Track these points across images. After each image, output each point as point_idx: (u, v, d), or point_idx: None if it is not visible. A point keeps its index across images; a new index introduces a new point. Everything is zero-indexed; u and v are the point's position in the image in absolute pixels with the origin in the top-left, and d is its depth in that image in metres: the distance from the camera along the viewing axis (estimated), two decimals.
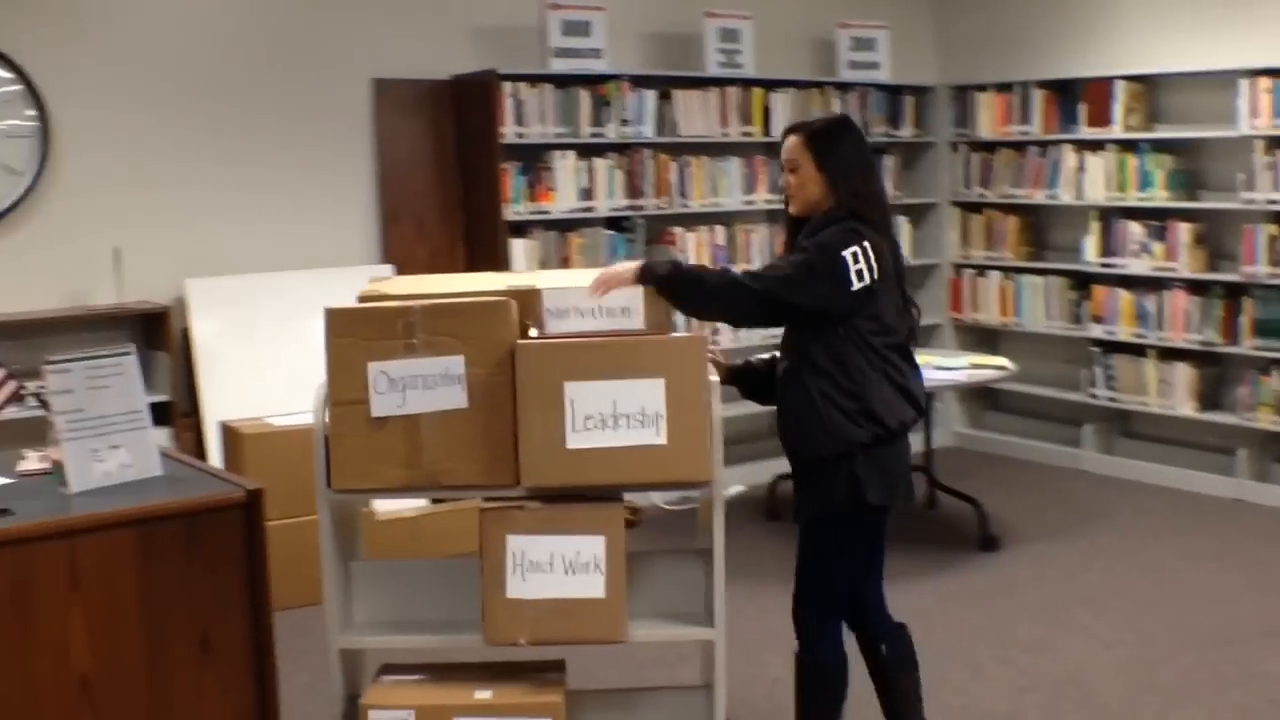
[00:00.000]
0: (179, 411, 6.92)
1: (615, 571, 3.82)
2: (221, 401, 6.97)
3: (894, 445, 4.26)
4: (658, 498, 7.13)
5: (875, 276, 4.11)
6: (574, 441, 3.78)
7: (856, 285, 4.07)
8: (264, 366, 6.99)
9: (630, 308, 4.02)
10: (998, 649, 5.90)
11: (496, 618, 3.83)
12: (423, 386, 3.82)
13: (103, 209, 6.98)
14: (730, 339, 8.24)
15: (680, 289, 4.06)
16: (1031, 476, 8.97)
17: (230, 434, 6.66)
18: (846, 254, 4.06)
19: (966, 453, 9.70)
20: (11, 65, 6.81)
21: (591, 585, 3.81)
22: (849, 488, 4.18)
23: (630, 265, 4.06)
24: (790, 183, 4.31)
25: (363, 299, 4.03)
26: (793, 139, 4.31)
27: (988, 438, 9.78)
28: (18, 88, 6.83)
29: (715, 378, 3.97)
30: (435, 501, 6.84)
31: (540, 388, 3.77)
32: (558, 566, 3.81)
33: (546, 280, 4.12)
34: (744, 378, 4.57)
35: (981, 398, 9.96)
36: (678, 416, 3.79)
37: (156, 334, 6.93)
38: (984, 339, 9.74)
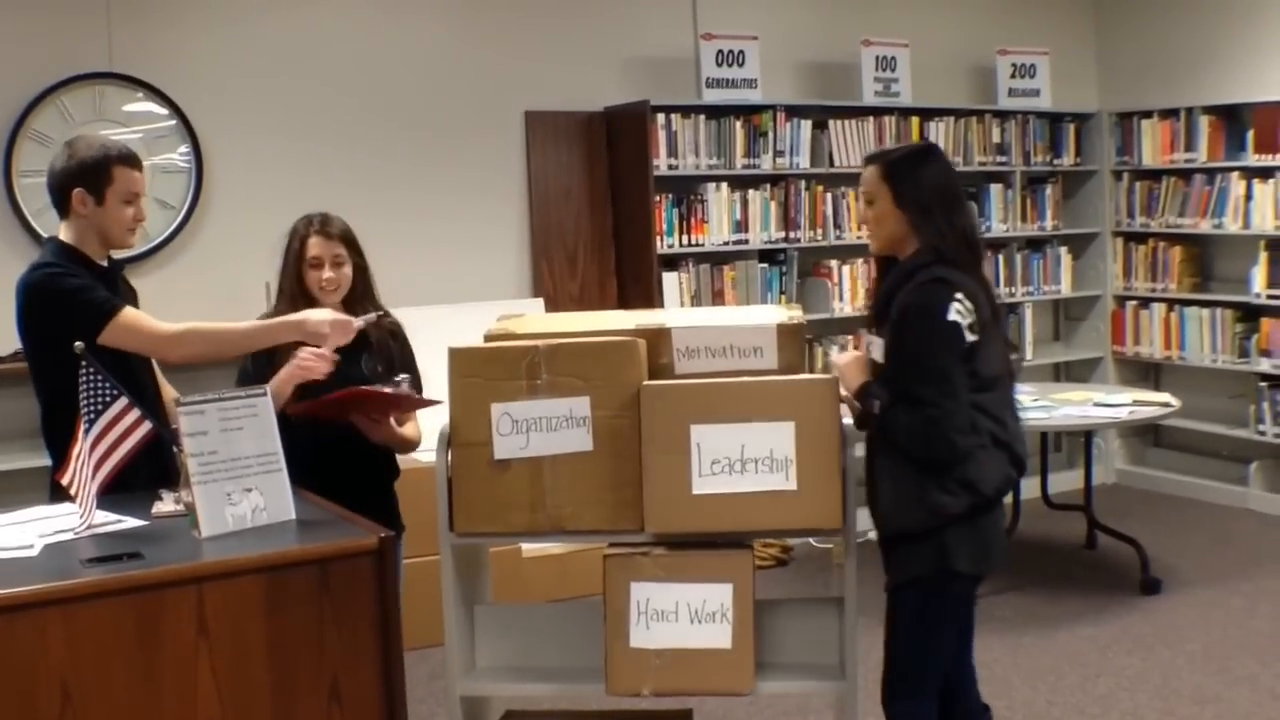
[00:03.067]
0: None
1: (743, 621, 3.71)
2: None
3: (991, 513, 3.99)
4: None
5: (977, 328, 3.87)
6: (700, 486, 3.68)
7: (969, 339, 3.84)
8: None
9: (763, 348, 3.93)
10: (1159, 699, 5.67)
11: (619, 667, 3.74)
12: (547, 429, 3.75)
13: (254, 243, 7.01)
14: None
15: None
16: (1196, 516, 8.65)
17: None
18: (952, 314, 3.81)
19: (1128, 490, 9.41)
20: (167, 101, 6.94)
21: (718, 635, 3.70)
22: (938, 555, 3.90)
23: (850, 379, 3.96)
24: (868, 217, 4.08)
25: (489, 338, 3.98)
26: (870, 169, 4.05)
27: (1150, 475, 9.47)
28: (172, 123, 6.96)
29: (849, 420, 3.86)
30: None
31: (666, 430, 3.68)
32: (683, 615, 3.71)
33: (677, 319, 4.03)
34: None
35: (1143, 434, 9.68)
36: (809, 461, 3.67)
37: None
38: (1146, 373, 9.48)
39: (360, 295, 4.65)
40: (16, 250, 6.50)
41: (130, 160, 4.21)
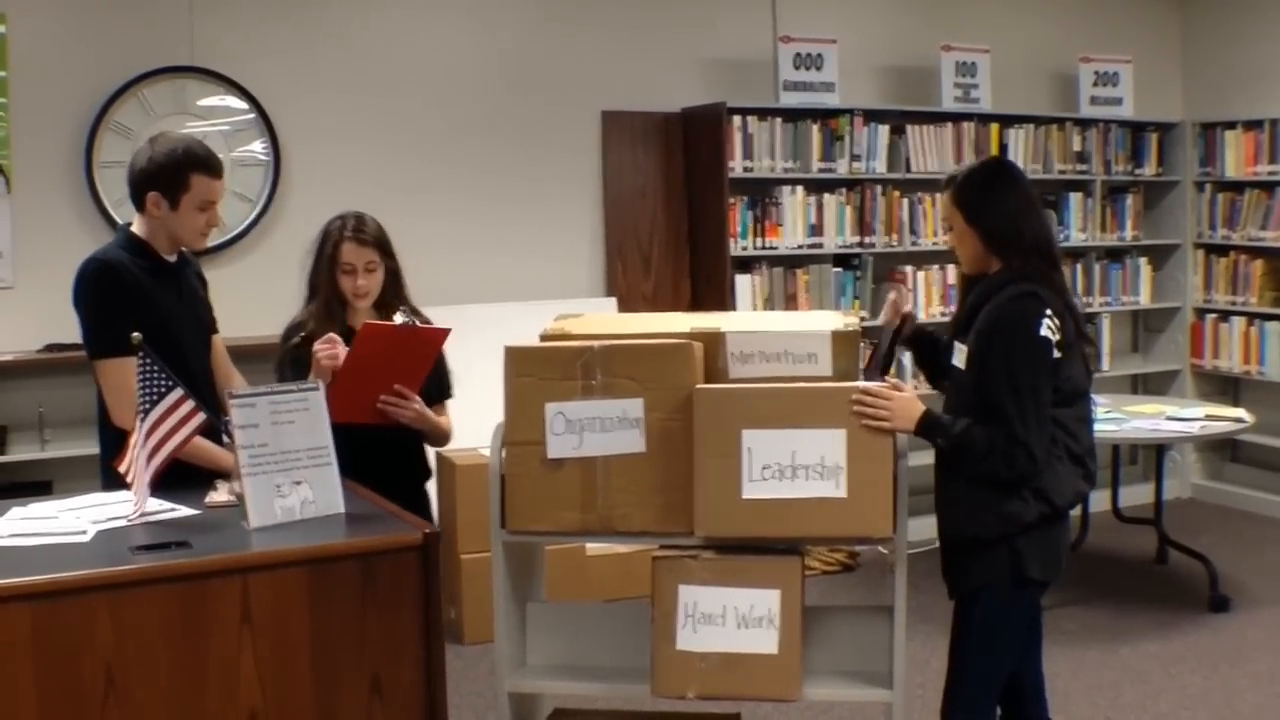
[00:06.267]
0: None
1: (790, 627, 3.69)
2: None
3: (1060, 524, 4.01)
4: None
5: (1063, 345, 3.88)
6: (750, 491, 3.66)
7: (1055, 356, 3.86)
8: (483, 398, 7.02)
9: (817, 354, 3.91)
10: (1220, 719, 5.60)
11: (665, 669, 3.74)
12: (600, 429, 3.75)
13: None
14: None
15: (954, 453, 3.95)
16: (1271, 534, 8.52)
17: (444, 463, 6.71)
18: (1044, 330, 3.83)
19: (1203, 506, 9.29)
20: (247, 96, 7.02)
21: (764, 640, 3.69)
22: (1011, 561, 3.90)
23: (908, 415, 3.78)
24: (951, 241, 4.13)
25: (545, 337, 3.99)
26: (944, 195, 4.10)
27: (1226, 491, 9.34)
28: (251, 117, 7.04)
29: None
30: None
31: (717, 434, 3.67)
32: (730, 619, 3.70)
33: (732, 323, 4.02)
34: (929, 346, 4.36)
35: (1220, 449, 9.54)
36: (859, 469, 3.65)
37: None
38: (1224, 387, 9.34)
39: (391, 298, 4.67)
40: (96, 239, 6.56)
41: (209, 167, 4.16)
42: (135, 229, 4.22)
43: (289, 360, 4.55)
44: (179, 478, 3.76)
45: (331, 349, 4.31)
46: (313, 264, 4.65)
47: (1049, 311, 3.86)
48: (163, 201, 4.12)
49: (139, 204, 4.17)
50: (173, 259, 4.27)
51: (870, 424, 3.68)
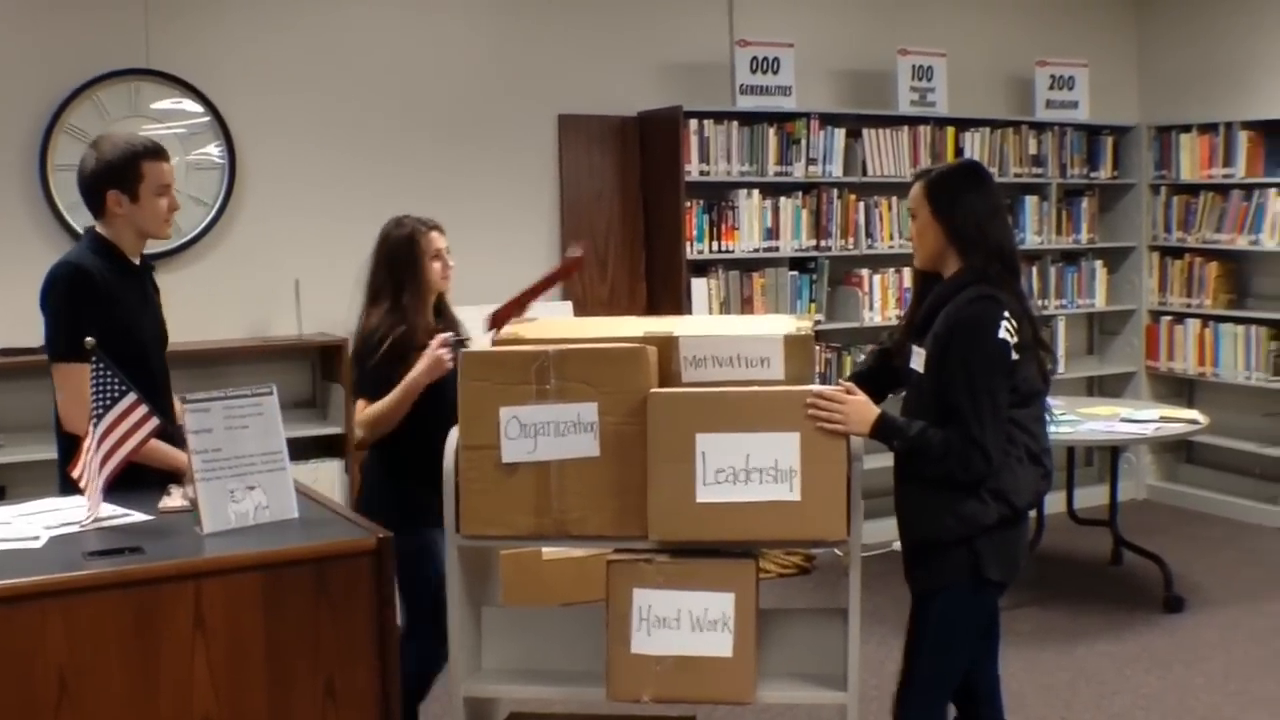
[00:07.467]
0: (353, 444, 6.97)
1: (744, 630, 3.71)
2: None
3: (1019, 525, 4.02)
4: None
5: (1020, 348, 3.87)
6: (704, 495, 3.69)
7: (1013, 358, 3.86)
8: None
9: (770, 358, 3.93)
10: (1173, 719, 5.64)
11: (620, 673, 3.76)
12: (554, 433, 3.77)
13: (284, 241, 7.10)
14: None
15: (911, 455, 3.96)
16: (1225, 534, 8.57)
17: None
18: (1002, 334, 3.82)
19: (1157, 507, 9.34)
20: (202, 99, 6.98)
21: (719, 644, 3.71)
22: (970, 563, 3.90)
23: (862, 418, 3.81)
24: (913, 232, 4.13)
25: (499, 341, 4.01)
26: (915, 186, 4.09)
27: (1181, 492, 9.40)
28: (206, 120, 7.00)
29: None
30: None
31: (671, 438, 3.69)
32: (685, 622, 3.72)
33: (685, 327, 4.04)
34: (867, 380, 4.24)
35: (1175, 450, 9.60)
36: (813, 472, 3.68)
37: (333, 365, 7.01)
38: (1179, 389, 9.40)
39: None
40: (50, 242, 6.55)
41: (157, 153, 4.22)
42: (101, 232, 4.23)
43: (389, 358, 4.66)
44: (132, 482, 3.75)
45: (449, 358, 4.50)
46: (384, 267, 4.84)
47: (1007, 314, 3.86)
48: (123, 197, 4.15)
49: (97, 208, 4.19)
50: (138, 262, 4.28)
51: (824, 427, 3.71)
